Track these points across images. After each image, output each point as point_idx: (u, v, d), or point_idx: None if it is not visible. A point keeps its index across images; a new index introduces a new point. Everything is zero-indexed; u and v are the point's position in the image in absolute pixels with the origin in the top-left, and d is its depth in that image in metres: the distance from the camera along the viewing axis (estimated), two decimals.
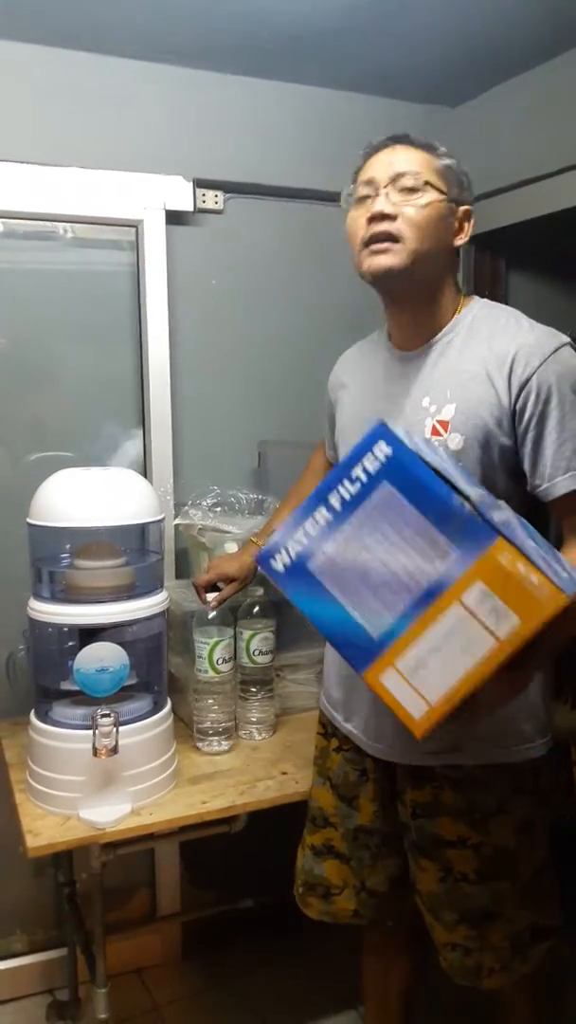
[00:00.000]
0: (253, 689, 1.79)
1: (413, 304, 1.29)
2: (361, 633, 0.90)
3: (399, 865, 1.42)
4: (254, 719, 1.79)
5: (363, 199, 1.25)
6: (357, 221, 1.25)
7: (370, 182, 1.24)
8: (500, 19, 1.77)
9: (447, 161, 1.26)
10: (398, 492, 0.88)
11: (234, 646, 1.74)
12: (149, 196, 1.96)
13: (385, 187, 1.22)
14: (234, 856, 1.99)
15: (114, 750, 1.44)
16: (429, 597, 0.86)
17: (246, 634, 1.76)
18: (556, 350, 1.19)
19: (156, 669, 1.64)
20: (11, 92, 1.84)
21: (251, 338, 2.14)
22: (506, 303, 2.29)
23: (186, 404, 2.07)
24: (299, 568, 0.93)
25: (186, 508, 1.95)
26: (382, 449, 0.90)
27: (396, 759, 1.35)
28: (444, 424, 1.23)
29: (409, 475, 0.88)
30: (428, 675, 0.87)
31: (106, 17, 1.73)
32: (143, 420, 2.05)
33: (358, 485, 0.91)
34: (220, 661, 1.70)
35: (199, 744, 1.72)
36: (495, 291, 2.34)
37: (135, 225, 1.98)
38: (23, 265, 1.94)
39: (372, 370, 1.39)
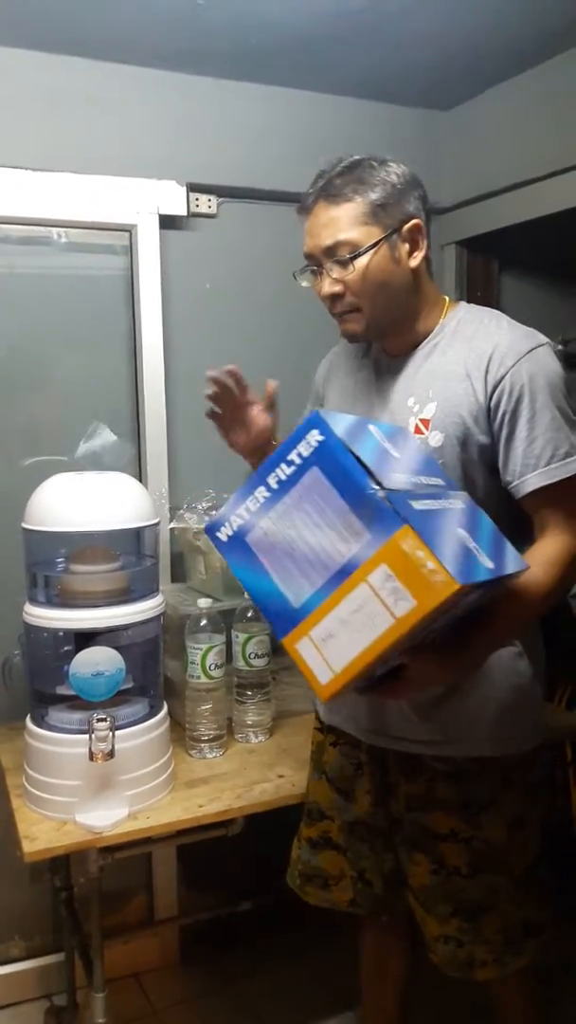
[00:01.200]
0: (249, 692, 1.79)
1: (395, 331, 1.33)
2: (285, 603, 0.98)
3: (394, 859, 1.43)
4: (250, 722, 1.80)
5: (311, 271, 1.29)
6: (317, 292, 1.30)
7: (309, 256, 1.28)
8: (491, 24, 1.78)
9: (377, 193, 1.23)
10: (324, 477, 0.96)
11: (227, 651, 1.75)
12: (143, 200, 1.96)
13: (324, 264, 1.26)
14: (231, 859, 1.99)
15: (110, 754, 1.44)
16: (343, 574, 0.95)
17: (241, 637, 1.77)
18: (531, 350, 1.21)
19: (152, 673, 1.64)
20: (4, 97, 1.84)
21: (245, 341, 2.14)
22: (498, 305, 2.32)
23: (181, 408, 2.07)
24: (239, 540, 1.01)
25: (181, 512, 1.95)
26: (315, 436, 0.97)
27: (390, 746, 1.36)
28: (426, 422, 1.27)
29: (334, 461, 0.96)
30: (335, 645, 0.95)
31: (100, 22, 1.74)
32: (138, 424, 2.06)
33: (292, 468, 0.98)
34: (213, 667, 1.70)
35: (191, 752, 1.73)
36: (488, 293, 2.35)
37: (129, 230, 1.99)
38: (17, 270, 1.94)
39: (359, 369, 1.41)
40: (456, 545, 0.95)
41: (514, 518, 1.26)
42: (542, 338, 1.24)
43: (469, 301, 1.38)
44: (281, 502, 0.99)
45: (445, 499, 1.04)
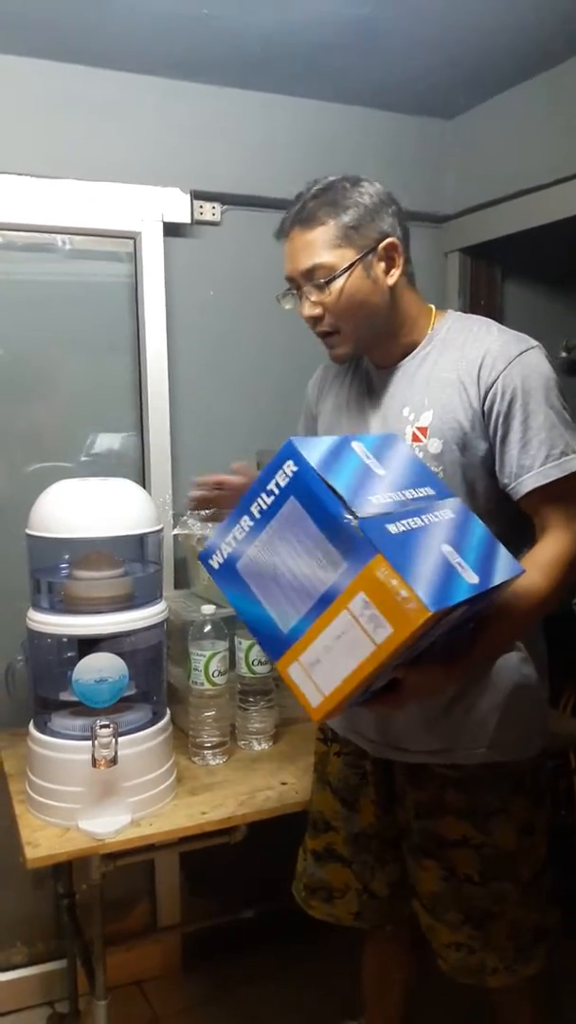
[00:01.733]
0: (252, 699, 1.79)
1: (381, 345, 1.34)
2: (275, 629, 1.01)
3: (399, 870, 1.43)
4: (254, 729, 1.80)
5: (292, 293, 1.32)
6: (299, 314, 1.32)
7: (290, 279, 1.31)
8: (494, 32, 1.79)
9: (349, 215, 1.24)
10: (301, 506, 0.98)
11: (230, 658, 1.74)
12: (147, 208, 1.97)
13: (302, 287, 1.29)
14: (234, 867, 1.98)
15: (113, 761, 1.44)
16: (324, 602, 0.97)
17: (244, 644, 1.76)
18: (521, 353, 1.22)
19: (155, 679, 1.64)
20: (10, 105, 1.85)
21: (249, 348, 2.14)
22: (502, 312, 2.31)
23: (184, 414, 2.08)
24: (229, 567, 1.04)
25: (185, 518, 1.95)
26: (290, 467, 0.99)
27: (396, 758, 1.36)
28: (423, 430, 1.28)
29: (309, 491, 0.98)
30: (322, 669, 0.98)
31: (104, 30, 1.75)
32: (141, 431, 2.06)
33: (272, 497, 1.00)
34: (216, 673, 1.70)
35: (194, 759, 1.72)
36: (491, 301, 2.35)
37: (133, 237, 1.99)
38: (22, 277, 1.95)
39: (350, 384, 1.42)
40: (436, 565, 0.97)
41: (517, 521, 1.26)
42: (532, 341, 1.25)
43: (472, 309, 1.39)
44: (264, 531, 1.00)
45: (431, 512, 1.05)
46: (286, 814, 1.57)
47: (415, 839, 1.37)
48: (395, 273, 1.28)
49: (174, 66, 1.93)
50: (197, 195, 2.04)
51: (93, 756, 1.43)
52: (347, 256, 1.25)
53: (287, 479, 0.99)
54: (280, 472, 0.99)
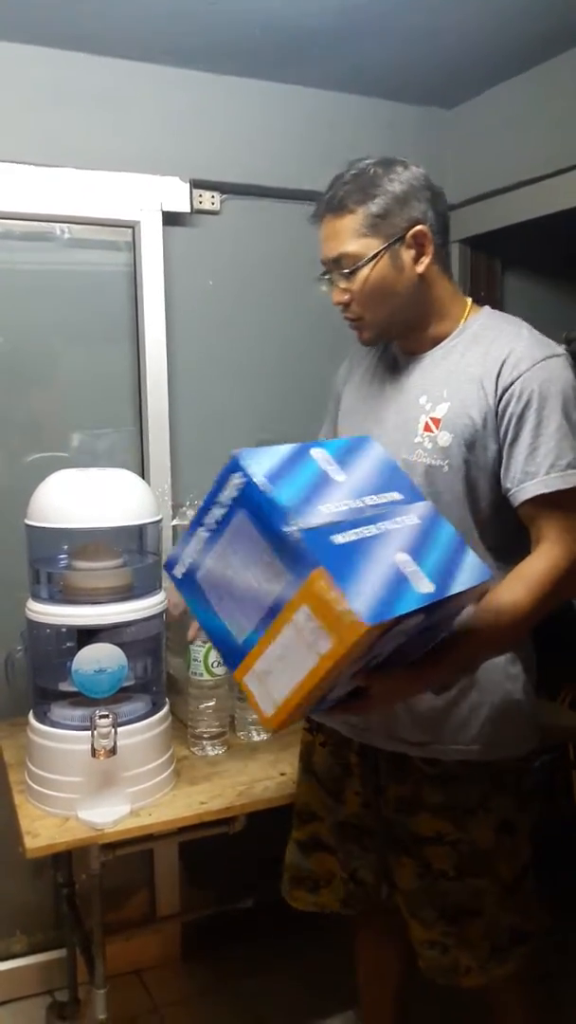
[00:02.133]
0: None
1: (410, 332, 1.34)
2: (231, 639, 1.01)
3: (383, 860, 1.43)
4: (252, 720, 1.80)
5: (326, 279, 1.32)
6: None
7: (323, 264, 1.31)
8: (495, 21, 1.78)
9: (377, 204, 1.24)
10: (248, 519, 0.99)
11: None
12: (146, 197, 1.96)
13: (331, 272, 1.29)
14: (233, 856, 1.99)
15: (112, 751, 1.44)
16: (272, 614, 0.97)
17: None
18: (545, 358, 1.21)
19: (154, 670, 1.64)
20: (7, 93, 1.84)
21: (248, 338, 2.14)
22: (502, 304, 2.31)
23: (183, 404, 2.07)
24: (190, 578, 1.04)
25: (184, 508, 1.95)
26: (237, 479, 0.99)
27: (381, 745, 1.36)
28: (436, 421, 1.27)
29: (255, 504, 0.98)
30: (274, 680, 0.99)
31: (102, 18, 1.73)
32: (140, 421, 2.06)
33: (223, 510, 1.01)
34: (215, 664, 1.70)
35: (193, 749, 1.73)
36: (491, 292, 2.35)
37: (132, 226, 1.99)
38: (20, 266, 1.94)
39: (376, 367, 1.42)
40: (384, 576, 0.96)
41: (514, 531, 1.25)
42: (559, 349, 1.24)
43: (472, 299, 1.37)
44: (219, 543, 1.01)
45: (393, 518, 1.04)
46: (285, 804, 1.57)
47: (393, 834, 1.37)
48: (425, 261, 1.27)
49: (173, 54, 1.92)
50: (196, 184, 2.03)
51: (92, 746, 1.43)
52: (372, 245, 1.24)
53: (235, 492, 0.99)
54: (228, 485, 1.00)
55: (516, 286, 2.42)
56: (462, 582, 1.03)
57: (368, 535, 0.99)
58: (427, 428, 1.28)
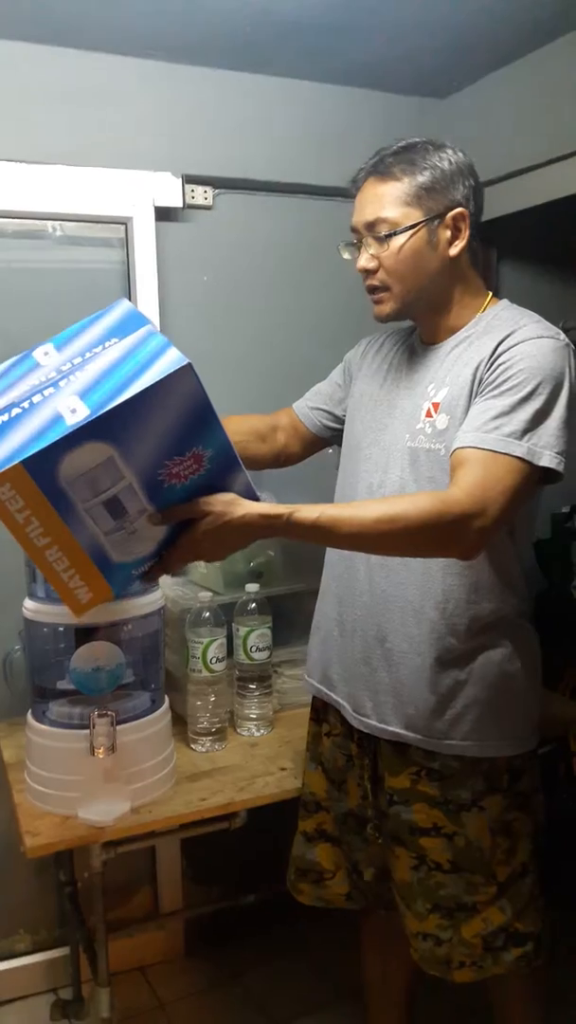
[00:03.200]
0: (251, 686, 1.79)
1: (428, 317, 1.34)
2: None
3: (382, 854, 1.43)
4: (252, 716, 1.79)
5: (352, 244, 1.31)
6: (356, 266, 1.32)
7: (354, 229, 1.30)
8: (487, 10, 1.76)
9: (425, 176, 1.24)
10: None
11: (228, 645, 1.74)
12: (138, 193, 1.95)
13: (364, 237, 1.28)
14: (235, 852, 1.99)
15: (112, 749, 1.44)
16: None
17: (242, 631, 1.76)
18: (540, 337, 1.20)
19: (153, 667, 1.64)
20: None
21: (243, 334, 2.13)
22: (498, 294, 2.29)
23: None
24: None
25: None
26: None
27: (376, 732, 1.35)
28: (436, 405, 1.28)
29: None
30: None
31: (92, 13, 1.72)
32: None
33: None
34: (214, 660, 1.70)
35: (193, 746, 1.72)
36: (487, 282, 2.31)
37: (124, 222, 1.97)
38: (12, 264, 1.93)
39: (392, 355, 1.43)
40: (33, 429, 0.98)
41: (521, 512, 1.25)
42: (562, 337, 1.22)
43: (488, 289, 1.37)
44: None
45: (73, 373, 1.03)
46: (285, 799, 1.57)
47: (389, 826, 1.37)
48: (459, 245, 1.27)
49: (163, 49, 1.91)
50: (189, 179, 2.01)
51: (91, 745, 1.43)
52: (413, 216, 1.24)
53: None
54: None
55: (512, 276, 2.41)
56: (134, 388, 0.98)
57: (35, 402, 1.01)
58: (428, 414, 1.28)
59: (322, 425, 1.54)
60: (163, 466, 1.05)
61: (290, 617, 1.87)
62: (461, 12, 1.77)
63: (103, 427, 0.97)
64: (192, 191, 2.03)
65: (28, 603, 1.56)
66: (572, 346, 1.22)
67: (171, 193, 1.98)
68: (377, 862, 1.44)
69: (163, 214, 2.00)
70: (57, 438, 0.96)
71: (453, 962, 1.34)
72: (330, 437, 1.55)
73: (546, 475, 1.18)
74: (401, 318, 1.35)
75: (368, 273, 1.29)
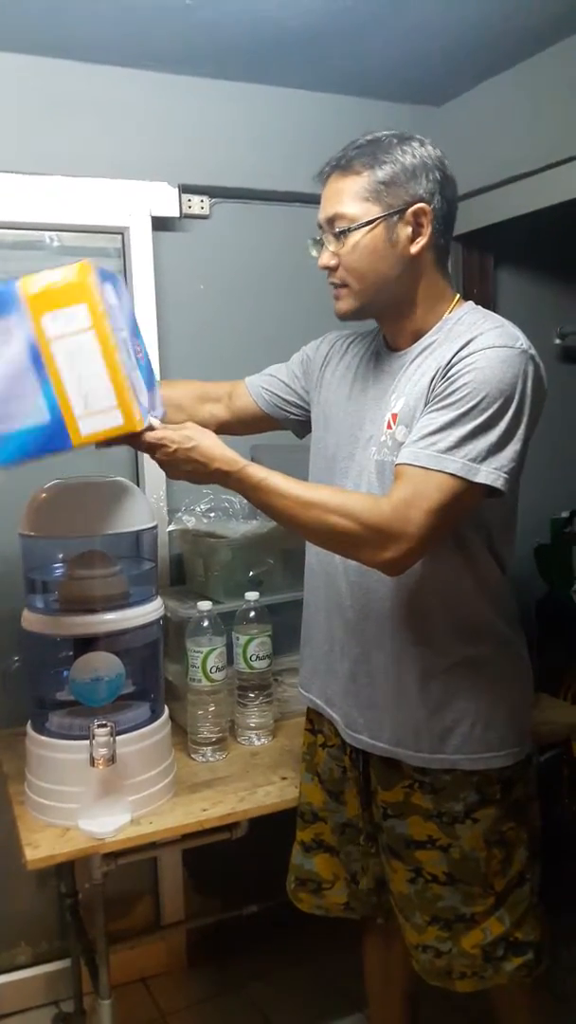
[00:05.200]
0: (251, 695, 1.79)
1: (391, 318, 1.32)
2: (40, 428, 1.07)
3: (380, 864, 1.42)
4: (253, 724, 1.79)
5: (318, 242, 1.30)
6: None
7: (319, 225, 1.29)
8: (482, 18, 1.77)
9: (385, 171, 1.21)
10: None
11: (228, 653, 1.74)
12: (134, 203, 1.95)
13: (325, 237, 1.27)
14: (237, 862, 1.98)
15: (112, 759, 1.43)
16: (35, 362, 1.05)
17: (242, 639, 1.76)
18: (495, 347, 1.16)
19: (152, 677, 1.63)
20: None
21: (240, 342, 2.13)
22: (494, 300, 2.29)
23: None
24: None
25: (180, 514, 1.94)
26: None
27: (367, 748, 1.35)
28: (395, 416, 1.26)
29: None
30: (92, 395, 1.08)
31: (87, 25, 1.73)
32: None
33: None
34: (214, 669, 1.69)
35: (193, 755, 1.72)
36: (483, 288, 2.34)
37: (121, 232, 1.98)
38: (10, 275, 1.91)
39: (357, 362, 1.40)
40: None
41: (489, 518, 1.25)
42: (522, 345, 1.17)
43: (466, 296, 1.36)
44: None
45: None
46: (286, 808, 1.56)
47: (384, 839, 1.37)
48: (420, 243, 1.23)
49: (159, 59, 1.91)
50: (185, 189, 2.02)
51: (91, 755, 1.43)
52: (371, 211, 1.21)
53: None
54: None
55: (509, 282, 2.42)
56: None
57: None
58: (388, 425, 1.26)
59: (274, 406, 1.53)
60: (134, 337, 1.22)
61: (290, 625, 1.86)
62: (456, 20, 1.78)
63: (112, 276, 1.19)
64: (188, 201, 2.04)
65: (27, 614, 1.55)
66: (530, 354, 1.18)
67: (167, 203, 1.99)
68: (375, 871, 1.44)
69: (160, 224, 2.00)
70: None
71: (454, 973, 1.33)
72: (280, 419, 1.53)
73: (491, 490, 1.16)
74: (362, 317, 1.31)
75: (329, 270, 1.27)
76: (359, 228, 1.22)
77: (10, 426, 1.04)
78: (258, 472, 1.19)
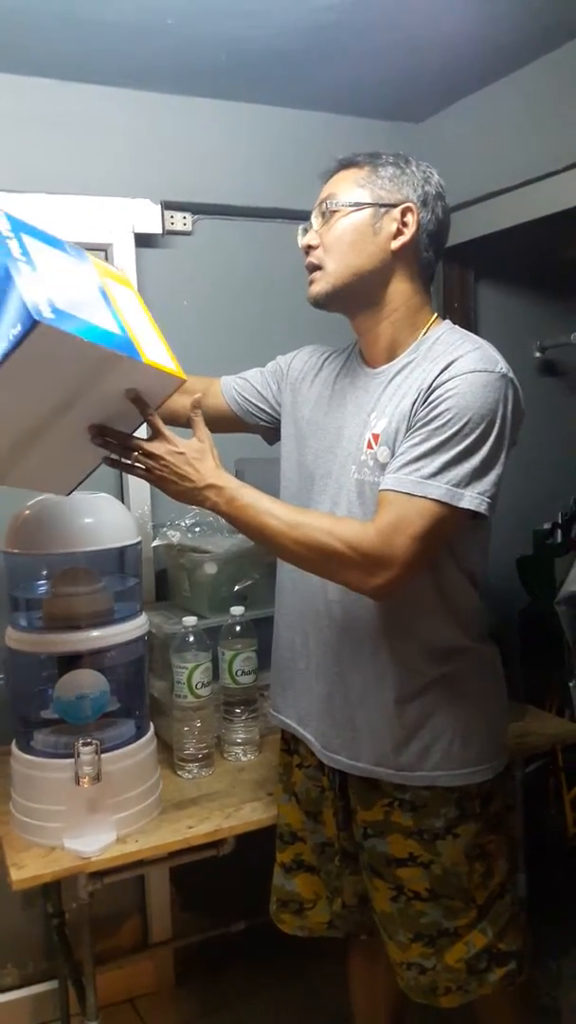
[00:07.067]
0: (237, 710, 1.78)
1: (363, 320, 1.32)
2: (110, 334, 1.08)
3: (362, 882, 1.42)
4: (239, 740, 1.79)
5: (304, 226, 1.33)
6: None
7: (312, 216, 1.31)
8: (460, 36, 1.79)
9: (386, 169, 1.26)
10: (37, 240, 1.12)
11: (214, 669, 1.73)
12: (117, 219, 1.96)
13: (314, 217, 1.30)
14: (224, 879, 1.97)
15: (97, 778, 1.42)
16: (105, 297, 1.13)
17: (227, 655, 1.75)
18: (475, 371, 1.16)
19: (138, 694, 1.63)
20: None
21: (222, 357, 2.11)
22: (475, 314, 2.31)
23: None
24: (56, 311, 1.02)
25: (164, 529, 1.94)
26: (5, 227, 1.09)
27: (345, 768, 1.34)
28: (376, 436, 1.26)
29: (35, 232, 1.13)
30: (145, 338, 1.16)
31: (70, 43, 1.74)
32: None
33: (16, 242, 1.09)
34: (199, 685, 1.69)
35: (180, 772, 1.71)
36: (464, 303, 2.36)
37: (104, 249, 1.98)
38: None
39: (333, 379, 1.40)
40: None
41: (471, 541, 1.25)
42: (501, 369, 1.18)
43: (446, 312, 1.38)
44: (39, 265, 1.07)
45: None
46: (273, 824, 1.55)
47: (366, 858, 1.36)
48: (401, 240, 1.26)
49: (141, 77, 1.93)
50: (168, 205, 2.03)
51: (76, 774, 1.42)
52: (363, 197, 1.26)
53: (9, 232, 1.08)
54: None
55: (489, 296, 2.44)
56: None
57: None
58: (369, 445, 1.26)
59: (245, 411, 1.53)
60: None
61: None
62: (435, 38, 1.80)
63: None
64: (171, 217, 2.05)
65: (11, 632, 1.55)
66: (509, 377, 1.19)
67: (150, 220, 2.00)
68: (357, 889, 1.43)
69: (143, 240, 2.01)
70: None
71: (439, 988, 1.33)
72: (250, 424, 1.54)
73: (475, 513, 1.17)
74: (333, 306, 1.30)
75: (308, 250, 1.30)
76: (347, 207, 1.26)
77: (88, 317, 1.05)
78: (250, 493, 1.19)
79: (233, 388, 1.54)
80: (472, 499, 1.15)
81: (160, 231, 2.02)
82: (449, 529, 1.18)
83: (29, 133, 1.89)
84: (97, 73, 1.89)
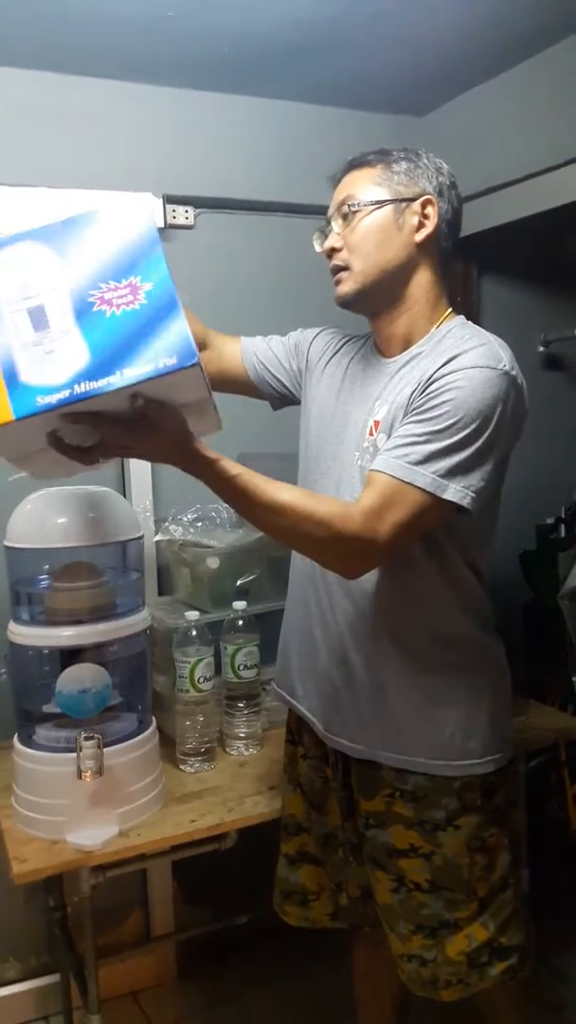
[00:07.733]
0: (240, 704, 1.78)
1: (385, 317, 1.32)
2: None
3: (366, 874, 1.42)
4: (241, 734, 1.79)
5: (322, 231, 1.33)
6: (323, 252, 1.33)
7: (328, 219, 1.32)
8: (463, 29, 1.78)
9: (399, 164, 1.28)
10: None
11: (216, 663, 1.73)
12: None
13: (333, 220, 1.29)
14: (226, 872, 1.97)
15: (99, 772, 1.43)
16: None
17: (230, 649, 1.76)
18: (477, 367, 1.16)
19: (140, 688, 1.63)
20: None
21: None
22: (478, 308, 2.30)
23: None
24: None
25: (167, 524, 1.94)
26: None
27: (346, 751, 1.35)
28: (377, 424, 1.27)
29: None
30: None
31: (70, 35, 1.73)
32: None
33: None
34: (202, 679, 1.69)
35: (182, 766, 1.71)
36: (467, 297, 2.35)
37: None
38: None
39: (348, 364, 1.41)
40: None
41: (470, 531, 1.25)
42: (506, 366, 1.17)
43: (450, 304, 1.37)
44: None
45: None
46: (275, 818, 1.56)
47: (367, 849, 1.37)
48: (425, 231, 1.26)
49: (141, 70, 1.92)
50: (169, 199, 2.02)
51: (79, 768, 1.42)
52: (382, 195, 1.26)
53: None
54: None
55: (492, 290, 2.43)
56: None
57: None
58: (371, 432, 1.27)
59: (262, 379, 1.52)
60: (97, 287, 1.03)
61: (278, 635, 1.86)
62: (437, 31, 1.79)
63: (45, 231, 1.03)
64: (173, 211, 2.04)
65: (13, 626, 1.55)
66: (512, 375, 1.18)
67: (152, 214, 1.99)
68: (361, 881, 1.43)
69: None
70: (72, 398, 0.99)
71: (440, 981, 1.33)
72: (263, 392, 1.53)
73: (459, 507, 1.17)
74: (360, 305, 1.31)
75: (332, 253, 1.29)
76: (369, 206, 1.26)
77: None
78: (232, 467, 1.16)
79: (254, 355, 1.53)
80: (456, 492, 1.15)
81: (162, 225, 2.01)
82: (431, 520, 1.18)
83: (30, 127, 1.88)
84: (98, 67, 1.89)
